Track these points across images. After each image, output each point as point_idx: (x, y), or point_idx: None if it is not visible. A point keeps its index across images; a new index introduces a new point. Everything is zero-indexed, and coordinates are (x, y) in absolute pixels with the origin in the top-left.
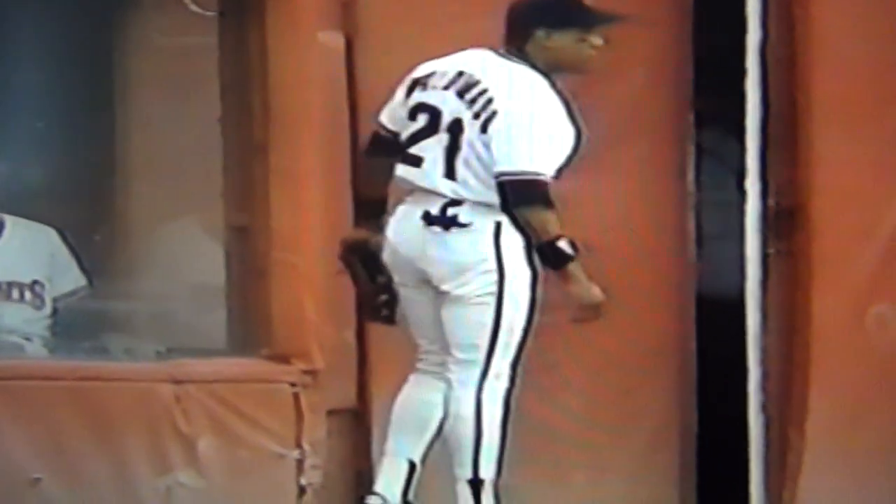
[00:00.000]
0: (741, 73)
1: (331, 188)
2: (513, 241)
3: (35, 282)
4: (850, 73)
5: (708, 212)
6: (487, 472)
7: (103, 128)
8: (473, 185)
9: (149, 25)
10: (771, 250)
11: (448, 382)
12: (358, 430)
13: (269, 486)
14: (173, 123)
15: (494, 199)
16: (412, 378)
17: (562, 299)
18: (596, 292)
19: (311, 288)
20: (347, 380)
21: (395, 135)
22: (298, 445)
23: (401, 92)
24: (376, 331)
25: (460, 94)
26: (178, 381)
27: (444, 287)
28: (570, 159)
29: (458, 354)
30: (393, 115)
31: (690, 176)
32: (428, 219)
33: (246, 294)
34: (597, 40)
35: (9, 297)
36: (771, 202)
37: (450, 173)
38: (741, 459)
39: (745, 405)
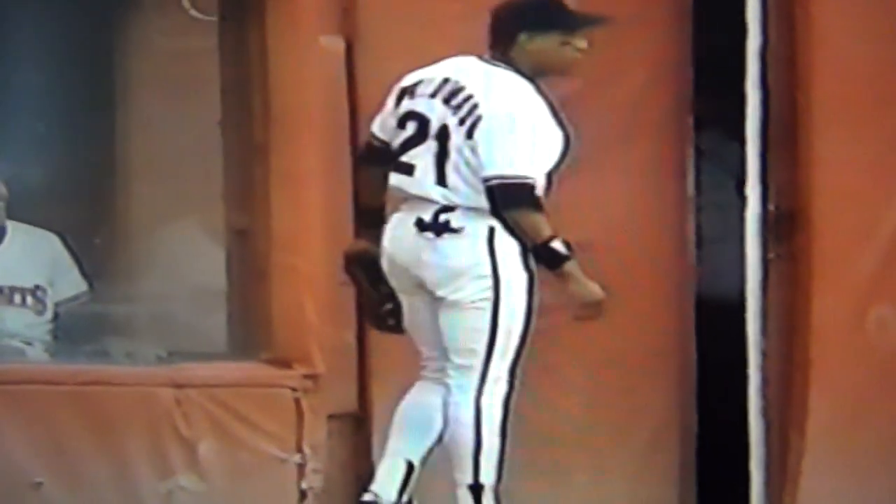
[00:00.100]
0: (741, 75)
1: (331, 190)
2: (507, 246)
3: (37, 286)
4: (850, 75)
5: (708, 214)
6: (488, 476)
7: (104, 129)
8: (464, 190)
9: (149, 27)
10: (771, 254)
11: (447, 388)
12: (359, 434)
13: (269, 489)
14: (174, 125)
15: (486, 203)
16: (417, 385)
17: (561, 301)
18: (596, 290)
19: (311, 291)
20: (348, 384)
21: (387, 144)
22: (299, 449)
23: (390, 101)
24: (377, 335)
25: (446, 101)
26: (178, 385)
27: (440, 292)
28: (560, 162)
29: (456, 360)
30: (384, 125)
31: (690, 178)
32: (421, 225)
33: (246, 297)
34: (581, 43)
35: (10, 301)
36: (771, 205)
37: (441, 180)
38: (741, 461)
39: (745, 407)
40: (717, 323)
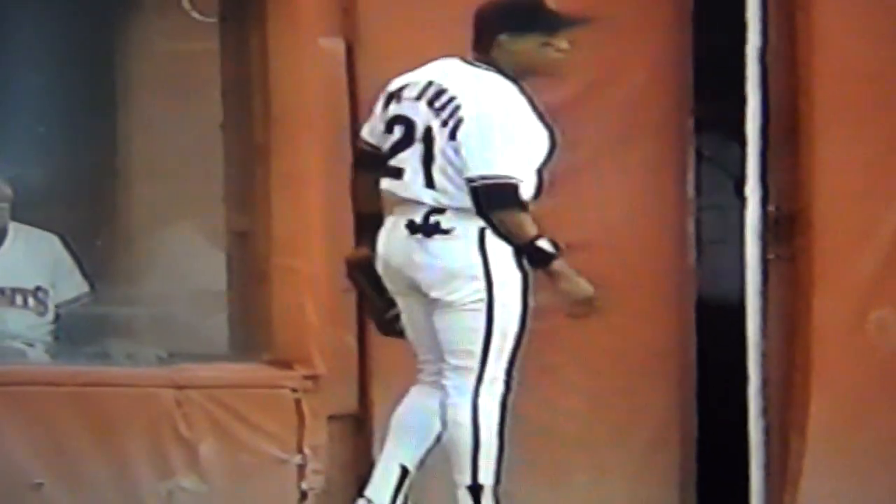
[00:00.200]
0: (741, 76)
1: (332, 192)
2: (499, 247)
3: (38, 288)
4: (851, 76)
5: (708, 215)
6: (487, 477)
7: (104, 131)
8: (452, 192)
9: (150, 28)
10: (771, 255)
11: (445, 389)
12: (359, 435)
13: (270, 490)
14: (174, 127)
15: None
16: (413, 389)
17: (560, 301)
18: (586, 286)
19: (312, 292)
20: (349, 385)
21: (378, 149)
22: (300, 450)
23: (378, 107)
24: (377, 336)
25: (430, 104)
26: (179, 386)
27: (434, 294)
28: (547, 160)
29: (453, 361)
30: (373, 130)
31: (690, 179)
32: (412, 227)
33: (247, 298)
34: (562, 44)
35: (12, 302)
36: (771, 207)
37: (429, 182)
38: (741, 463)
39: (745, 408)
40: (717, 323)
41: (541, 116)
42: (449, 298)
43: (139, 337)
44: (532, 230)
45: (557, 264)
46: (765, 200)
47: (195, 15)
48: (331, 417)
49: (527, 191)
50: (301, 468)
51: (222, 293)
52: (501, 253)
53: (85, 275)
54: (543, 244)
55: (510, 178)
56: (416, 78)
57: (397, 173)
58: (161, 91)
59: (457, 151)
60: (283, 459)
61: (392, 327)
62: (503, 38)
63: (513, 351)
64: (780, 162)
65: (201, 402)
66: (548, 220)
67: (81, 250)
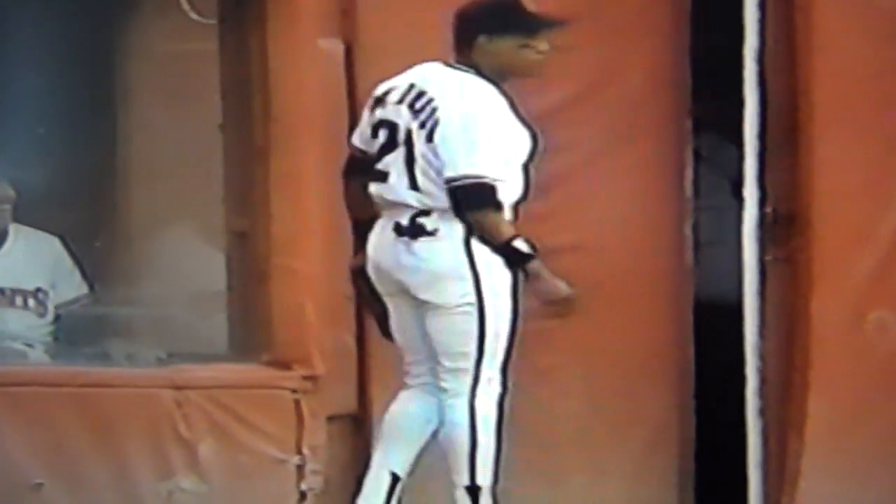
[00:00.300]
0: (739, 77)
1: (331, 192)
2: (486, 248)
3: (38, 289)
4: (849, 76)
5: (705, 216)
6: (484, 478)
7: (104, 132)
8: (435, 193)
9: (149, 30)
10: (768, 256)
11: (441, 391)
12: (358, 436)
13: (269, 491)
14: (174, 128)
15: None
16: (400, 395)
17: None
18: (562, 286)
19: (311, 293)
20: (348, 385)
21: (367, 154)
22: (299, 451)
23: (366, 112)
24: (376, 336)
25: (410, 106)
26: (179, 387)
27: (423, 296)
28: (529, 160)
29: (448, 363)
30: (362, 135)
31: (688, 180)
32: (399, 230)
33: (247, 299)
34: (542, 45)
35: (12, 303)
36: (768, 208)
37: (413, 184)
38: (739, 464)
39: (742, 409)
40: (714, 324)
41: (521, 117)
42: (438, 301)
43: (139, 338)
44: (508, 231)
45: (534, 265)
46: (762, 201)
47: (194, 16)
48: (330, 418)
49: (513, 190)
50: (300, 468)
51: (222, 294)
52: (488, 253)
53: (84, 276)
54: (520, 244)
55: (486, 178)
56: (399, 82)
57: (383, 177)
58: (160, 92)
59: (435, 153)
60: (282, 460)
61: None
62: (481, 39)
63: (506, 350)
64: (779, 163)
65: (201, 402)
66: (545, 221)
67: (81, 251)
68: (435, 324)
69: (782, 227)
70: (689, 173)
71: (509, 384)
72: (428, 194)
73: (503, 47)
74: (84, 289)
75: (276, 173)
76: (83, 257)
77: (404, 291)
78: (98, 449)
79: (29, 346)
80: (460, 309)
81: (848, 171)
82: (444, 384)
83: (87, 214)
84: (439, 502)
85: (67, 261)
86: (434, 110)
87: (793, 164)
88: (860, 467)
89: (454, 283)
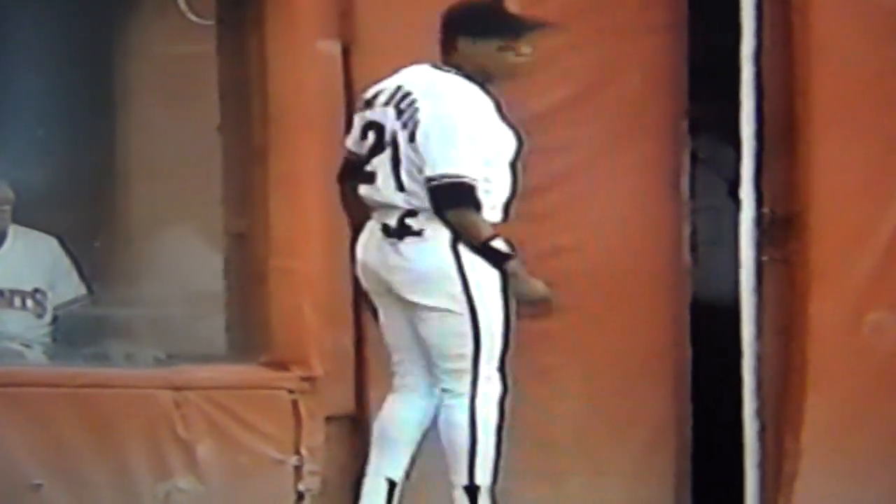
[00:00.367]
0: (736, 79)
1: (329, 193)
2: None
3: (36, 290)
4: (847, 77)
5: (702, 217)
6: (483, 478)
7: (103, 133)
8: (421, 194)
9: (148, 31)
10: (765, 256)
11: (442, 392)
12: (356, 437)
13: (267, 491)
14: (172, 129)
15: None
16: (389, 399)
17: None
18: (540, 287)
19: (309, 294)
20: (346, 386)
21: (360, 156)
22: (297, 451)
23: (357, 114)
24: (375, 337)
25: (396, 108)
26: (177, 388)
27: (410, 297)
28: (514, 160)
29: (446, 365)
30: (354, 138)
31: (685, 181)
32: (387, 231)
33: (245, 300)
34: (525, 48)
35: (11, 304)
36: (765, 209)
37: (400, 185)
38: (737, 465)
39: (740, 410)
40: (712, 325)
41: (504, 118)
42: (429, 303)
43: (137, 338)
44: (486, 230)
45: (512, 265)
46: (759, 202)
47: (193, 17)
48: (328, 418)
49: (500, 189)
50: (298, 469)
51: (220, 295)
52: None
53: (83, 276)
54: (498, 244)
55: (465, 177)
56: (387, 84)
57: (371, 178)
58: (159, 93)
59: (416, 153)
60: (280, 460)
61: None
62: (462, 41)
63: (503, 348)
64: (776, 164)
65: (199, 403)
66: (543, 221)
67: (80, 252)
68: (428, 328)
69: (780, 227)
70: (685, 174)
71: (509, 384)
72: (414, 195)
73: (483, 49)
74: (82, 289)
75: (274, 174)
76: (82, 258)
77: (392, 292)
78: (97, 449)
79: (27, 346)
80: (451, 310)
81: (845, 172)
82: (444, 386)
83: (87, 215)
84: (438, 502)
85: (66, 261)
86: (416, 111)
87: (790, 164)
88: (859, 467)
89: (441, 283)
